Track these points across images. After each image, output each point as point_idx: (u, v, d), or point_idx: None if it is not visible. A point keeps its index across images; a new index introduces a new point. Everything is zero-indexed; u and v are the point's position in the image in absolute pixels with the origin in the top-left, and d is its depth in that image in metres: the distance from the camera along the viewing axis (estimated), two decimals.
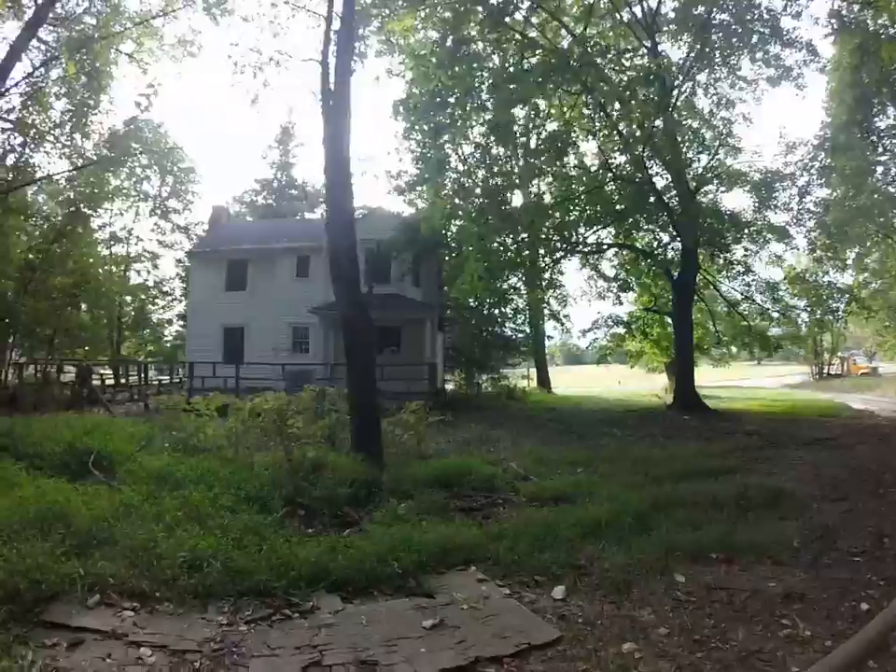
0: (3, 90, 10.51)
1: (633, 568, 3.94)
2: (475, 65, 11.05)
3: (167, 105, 55.96)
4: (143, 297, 24.01)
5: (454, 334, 26.09)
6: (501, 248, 15.58)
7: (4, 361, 11.74)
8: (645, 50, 14.23)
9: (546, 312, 27.11)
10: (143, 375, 16.11)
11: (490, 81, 10.99)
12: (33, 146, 11.40)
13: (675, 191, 14.95)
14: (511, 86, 10.81)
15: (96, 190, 12.88)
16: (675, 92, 14.68)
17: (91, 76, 11.25)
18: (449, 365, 26.32)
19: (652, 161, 14.29)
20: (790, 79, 13.82)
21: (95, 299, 13.57)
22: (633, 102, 12.26)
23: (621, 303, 20.31)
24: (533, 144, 16.86)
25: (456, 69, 10.92)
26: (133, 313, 24.81)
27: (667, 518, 4.94)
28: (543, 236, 14.80)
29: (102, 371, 14.55)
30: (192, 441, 7.47)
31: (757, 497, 5.62)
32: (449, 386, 24.34)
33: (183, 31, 15.06)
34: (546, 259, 17.33)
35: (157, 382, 17.37)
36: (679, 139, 14.59)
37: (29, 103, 11.05)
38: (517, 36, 11.28)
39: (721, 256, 16.28)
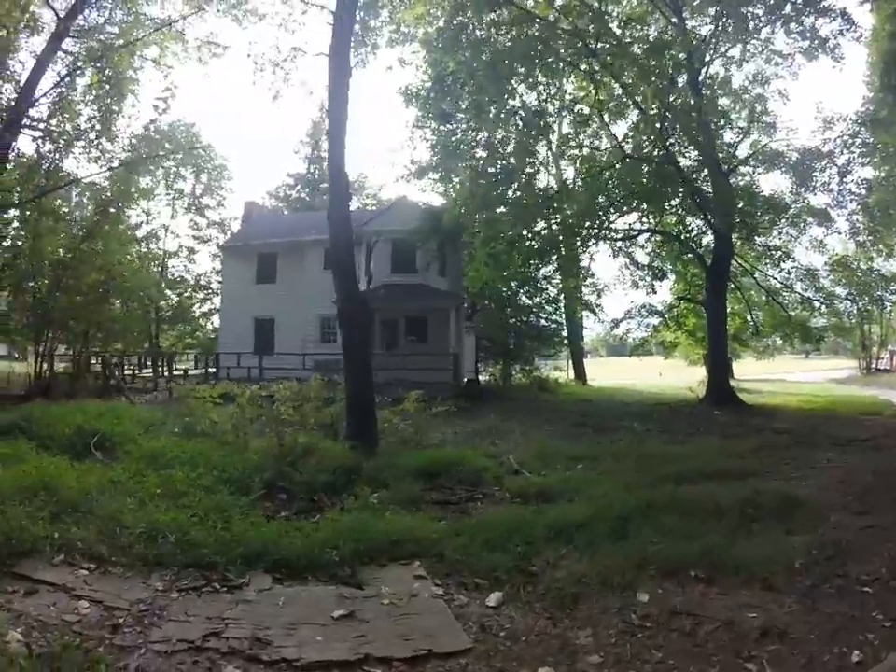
0: (32, 100, 11.72)
1: (590, 580, 3.62)
2: (481, 49, 11.12)
3: (201, 105, 58.80)
4: (179, 291, 25.66)
5: (488, 324, 26.32)
6: (530, 236, 15.70)
7: (39, 353, 12.90)
8: (670, 25, 13.84)
9: (579, 301, 26.91)
10: (170, 366, 17.33)
11: (487, 60, 11.03)
12: (63, 151, 12.58)
13: (705, 172, 14.42)
14: (505, 61, 10.87)
15: (131, 189, 13.99)
16: (703, 70, 14.16)
17: (112, 83, 12.26)
18: (482, 355, 26.61)
19: (677, 141, 13.87)
20: (825, 51, 13.03)
21: (126, 294, 14.75)
22: (645, 74, 11.95)
23: (654, 292, 19.58)
24: (566, 128, 16.75)
25: (461, 54, 11.07)
26: (172, 306, 26.58)
27: (653, 524, 4.55)
28: (571, 221, 14.70)
29: (133, 362, 15.90)
30: (198, 426, 8.16)
31: (767, 504, 5.07)
32: (484, 377, 24.78)
33: (206, 32, 15.98)
34: (575, 246, 17.23)
35: (182, 372, 18.60)
36: (711, 117, 13.98)
37: (57, 111, 12.23)
38: (514, 13, 11.22)
39: (758, 241, 15.58)
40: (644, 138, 13.44)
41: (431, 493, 5.98)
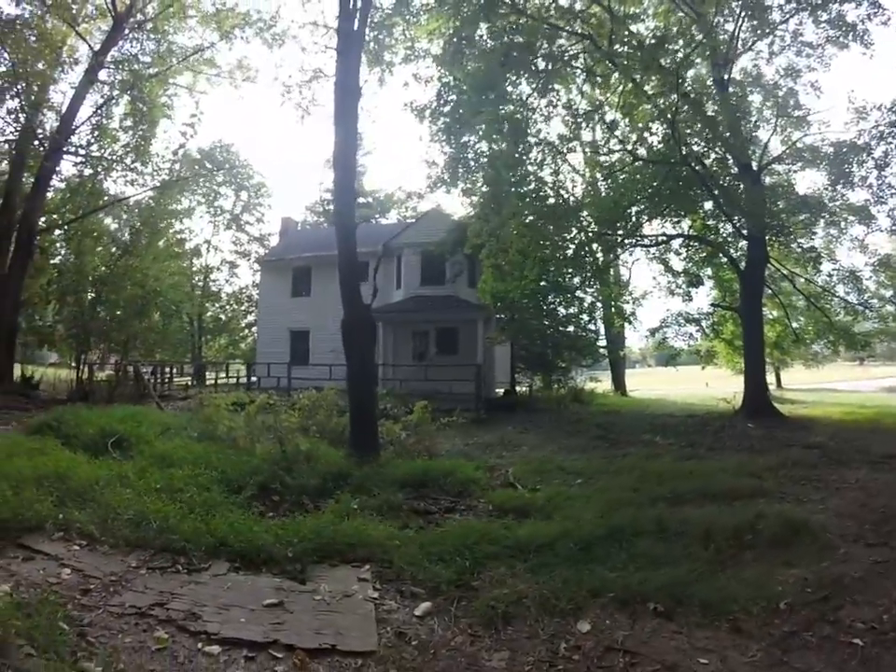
0: (73, 128, 13.27)
1: (531, 602, 3.52)
2: (482, 58, 11.52)
3: (240, 125, 62.53)
4: (221, 304, 27.51)
5: (524, 334, 26.54)
6: (559, 243, 15.90)
7: (81, 362, 14.39)
8: (694, 24, 13.83)
9: (614, 310, 26.71)
10: (201, 375, 18.70)
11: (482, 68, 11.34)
12: (102, 175, 14.05)
13: (734, 172, 14.13)
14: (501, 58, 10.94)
15: (167, 209, 15.41)
16: (729, 67, 13.86)
17: (144, 111, 13.65)
18: (521, 366, 26.87)
19: (702, 141, 13.76)
20: (854, 38, 12.62)
21: (162, 308, 16.15)
22: (663, 71, 11.98)
23: (690, 299, 19.36)
24: (598, 135, 16.88)
25: (466, 65, 11.53)
26: (214, 319, 28.48)
27: (627, 548, 4.34)
28: (592, 229, 14.82)
29: (172, 371, 17.43)
30: (213, 431, 8.98)
31: (768, 530, 4.64)
32: (523, 388, 25.07)
33: (238, 56, 17.33)
34: (600, 254, 17.26)
35: (213, 381, 19.98)
36: (739, 116, 13.68)
37: (96, 138, 13.69)
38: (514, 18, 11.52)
39: (797, 243, 14.99)
40: (658, 140, 13.45)
41: (413, 501, 6.13)
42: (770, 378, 31.84)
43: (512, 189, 13.30)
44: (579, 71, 13.57)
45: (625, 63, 11.97)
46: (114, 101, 13.87)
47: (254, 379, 20.32)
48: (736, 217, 14.66)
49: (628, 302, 24.87)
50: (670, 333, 20.23)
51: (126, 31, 14.14)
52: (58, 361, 17.45)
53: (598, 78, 13.54)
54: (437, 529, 5.02)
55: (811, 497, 6.27)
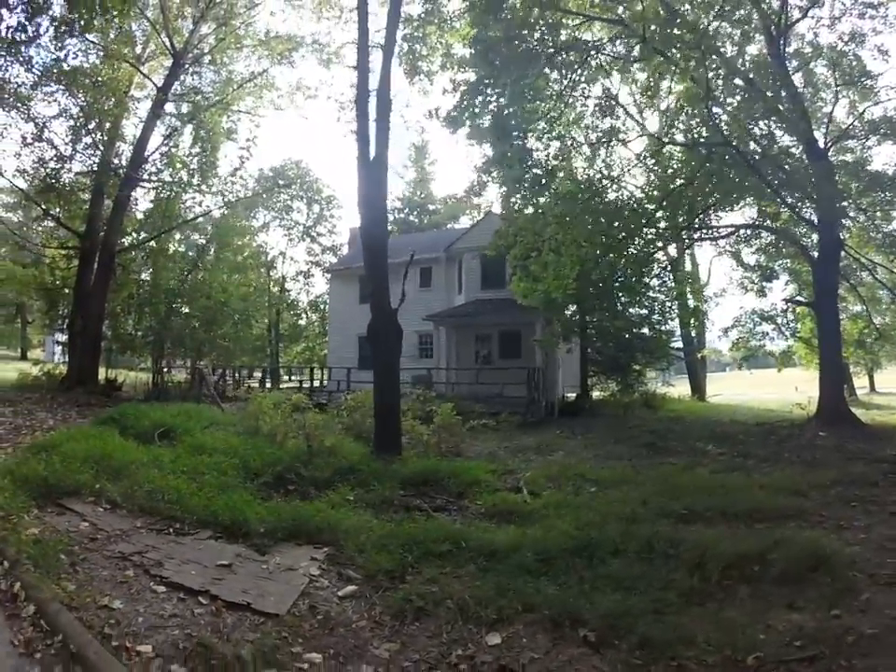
0: (145, 157, 15.54)
1: (453, 605, 3.53)
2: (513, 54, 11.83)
3: (310, 142, 66.86)
4: (294, 312, 29.95)
5: (598, 338, 26.33)
6: (617, 238, 15.79)
7: (158, 366, 16.63)
8: None
9: (685, 308, 25.63)
10: (276, 378, 20.58)
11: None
12: (171, 198, 16.10)
13: (782, 152, 13.25)
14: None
15: (232, 227, 17.41)
16: (785, 37, 13.19)
17: (207, 139, 15.63)
18: (593, 370, 26.64)
19: (751, 120, 13.08)
20: None
21: (228, 317, 18.12)
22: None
23: (764, 295, 18.64)
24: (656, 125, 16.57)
25: (496, 63, 11.87)
26: (291, 326, 31.02)
27: (594, 566, 4.11)
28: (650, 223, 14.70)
29: (236, 374, 19.60)
30: (257, 427, 10.14)
31: (782, 562, 4.03)
32: (597, 393, 24.93)
33: (297, 78, 19.03)
34: (658, 247, 16.82)
35: (273, 382, 21.85)
36: (801, 88, 13.08)
37: (165, 166, 15.80)
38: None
39: (875, 228, 13.76)
40: (697, 122, 12.97)
41: (410, 498, 6.43)
42: (862, 381, 28.94)
43: (543, 184, 13.44)
44: (618, 60, 13.54)
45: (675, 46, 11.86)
46: (178, 132, 16.00)
47: (325, 382, 22.08)
48: (806, 203, 13.85)
49: (702, 301, 23.91)
50: (745, 333, 19.45)
51: (186, 66, 16.21)
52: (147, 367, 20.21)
53: (636, 65, 13.44)
54: (411, 525, 5.04)
55: (855, 524, 5.44)
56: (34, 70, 12.98)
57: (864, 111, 14.13)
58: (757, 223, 15.98)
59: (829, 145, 14.19)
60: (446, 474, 7.21)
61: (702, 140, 13.16)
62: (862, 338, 17.73)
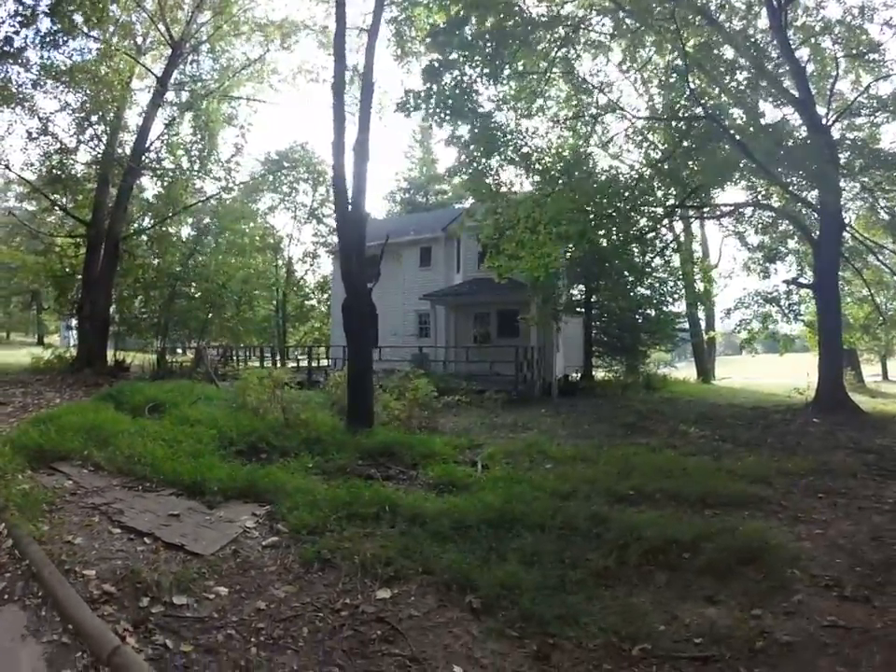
0: (147, 146, 16.57)
1: (358, 561, 3.93)
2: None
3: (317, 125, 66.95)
4: (300, 293, 31.08)
5: (605, 319, 26.77)
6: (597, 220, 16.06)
7: (163, 347, 17.90)
8: None
9: (691, 289, 25.72)
10: (272, 356, 21.93)
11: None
12: (172, 185, 17.16)
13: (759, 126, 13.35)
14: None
15: (244, 206, 18.32)
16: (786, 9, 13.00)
17: (202, 127, 16.53)
18: (598, 350, 27.13)
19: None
20: None
21: (235, 299, 19.30)
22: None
23: (767, 276, 18.98)
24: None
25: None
26: (297, 306, 32.20)
27: (506, 539, 4.31)
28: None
29: (236, 353, 20.89)
30: (244, 401, 11.13)
31: (717, 552, 4.01)
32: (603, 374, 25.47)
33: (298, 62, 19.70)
34: (645, 226, 17.01)
35: (274, 361, 23.09)
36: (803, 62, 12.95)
37: (166, 154, 16.88)
38: None
39: (881, 208, 13.74)
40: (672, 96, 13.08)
41: (364, 468, 6.97)
42: (875, 369, 28.56)
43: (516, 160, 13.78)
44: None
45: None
46: (177, 121, 16.96)
47: (327, 362, 23.15)
48: (804, 181, 14.00)
49: (710, 282, 24.01)
50: (748, 314, 19.43)
51: (184, 55, 17.05)
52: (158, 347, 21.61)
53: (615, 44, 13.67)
54: (351, 490, 5.37)
55: (816, 517, 5.27)
56: (31, 71, 13.87)
57: (868, 85, 14.09)
58: (755, 202, 16.14)
59: (832, 121, 14.15)
60: (406, 447, 7.79)
61: (681, 114, 13.27)
62: (868, 323, 17.84)
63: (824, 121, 13.90)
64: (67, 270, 18.05)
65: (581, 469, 6.79)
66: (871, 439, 10.10)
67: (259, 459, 7.30)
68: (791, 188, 13.96)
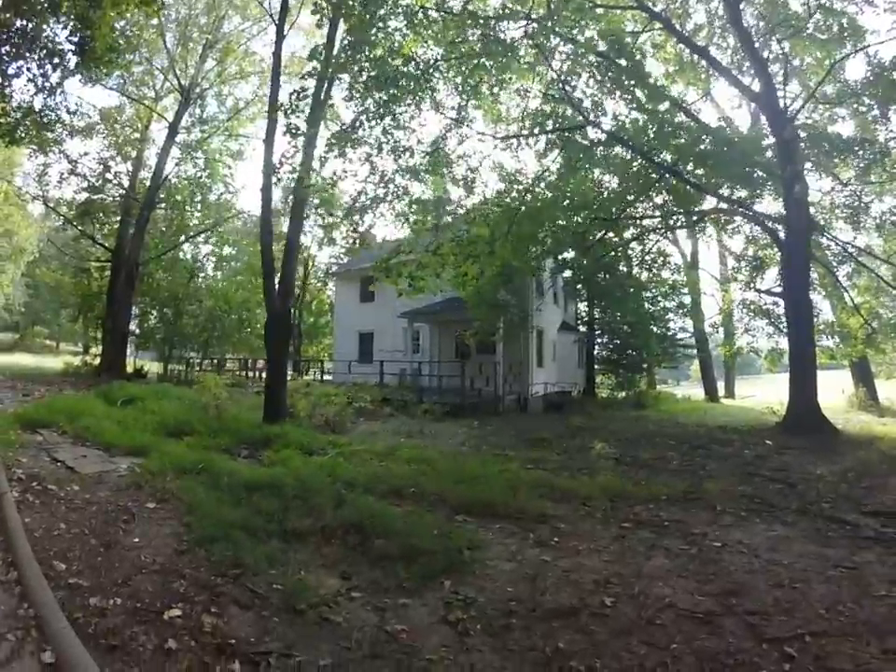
0: (160, 182, 22.01)
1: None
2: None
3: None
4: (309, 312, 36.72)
5: (606, 335, 29.31)
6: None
7: (169, 357, 23.43)
8: None
9: (696, 304, 27.32)
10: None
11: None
12: (180, 218, 22.71)
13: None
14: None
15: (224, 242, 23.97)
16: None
17: (206, 167, 21.89)
18: (601, 368, 29.57)
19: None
20: None
21: (227, 316, 24.60)
22: None
23: (752, 286, 19.71)
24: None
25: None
26: (308, 324, 37.85)
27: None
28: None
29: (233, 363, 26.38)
30: (199, 399, 15.38)
31: (403, 547, 5.05)
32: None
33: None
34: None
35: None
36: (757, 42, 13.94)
37: (174, 191, 22.38)
38: None
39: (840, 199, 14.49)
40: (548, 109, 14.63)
41: (239, 448, 10.25)
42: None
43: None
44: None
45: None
46: (185, 160, 22.42)
47: (328, 377, 27.60)
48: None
49: (698, 294, 25.80)
50: (739, 327, 20.72)
51: (194, 100, 22.21)
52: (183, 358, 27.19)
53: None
54: (201, 454, 8.65)
55: (572, 543, 5.59)
56: (62, 119, 17.44)
57: (836, 63, 14.70)
58: (729, 209, 17.17)
59: (796, 112, 15.01)
60: (283, 438, 10.61)
61: (559, 127, 14.97)
62: (855, 335, 17.90)
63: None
64: (94, 290, 23.91)
65: (399, 468, 8.74)
66: (813, 466, 9.94)
67: (176, 437, 10.68)
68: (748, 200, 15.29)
